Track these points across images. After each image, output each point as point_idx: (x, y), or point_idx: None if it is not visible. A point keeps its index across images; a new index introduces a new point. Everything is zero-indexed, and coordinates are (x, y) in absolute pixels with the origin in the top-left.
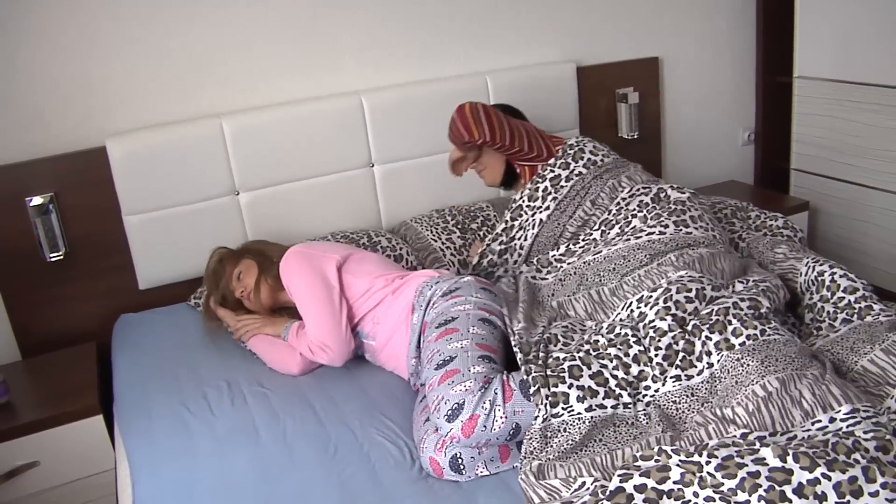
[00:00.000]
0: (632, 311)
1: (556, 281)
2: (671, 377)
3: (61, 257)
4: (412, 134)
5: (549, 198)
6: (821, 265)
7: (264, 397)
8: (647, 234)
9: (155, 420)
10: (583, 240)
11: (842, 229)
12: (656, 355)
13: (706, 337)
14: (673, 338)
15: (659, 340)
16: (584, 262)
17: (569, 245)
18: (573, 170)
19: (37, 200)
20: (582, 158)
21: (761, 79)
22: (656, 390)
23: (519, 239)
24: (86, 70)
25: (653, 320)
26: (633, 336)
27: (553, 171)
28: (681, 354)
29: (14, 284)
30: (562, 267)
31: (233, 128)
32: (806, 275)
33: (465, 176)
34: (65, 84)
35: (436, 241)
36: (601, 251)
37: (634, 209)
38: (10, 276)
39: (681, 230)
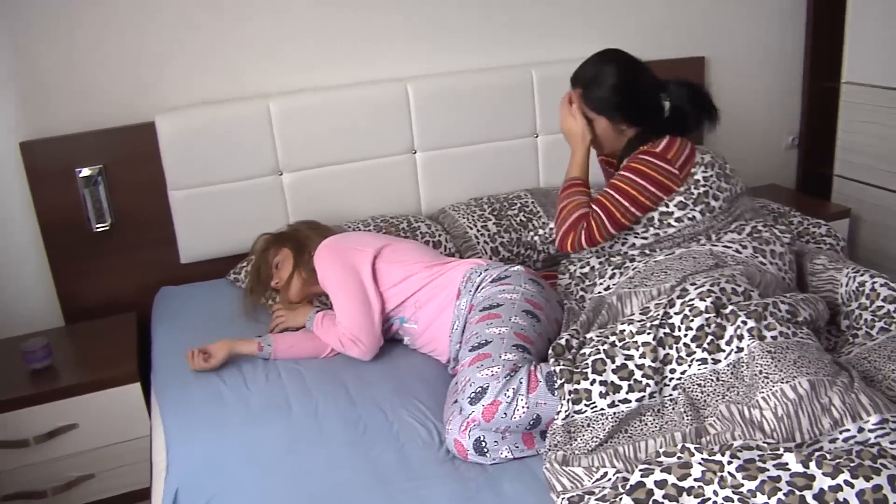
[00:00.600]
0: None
1: (626, 280)
2: (698, 360)
3: (107, 228)
4: (455, 122)
5: (651, 231)
6: (861, 275)
7: (298, 374)
8: (723, 246)
9: (191, 390)
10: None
11: (884, 238)
12: (686, 334)
13: (741, 321)
14: (706, 319)
15: (692, 320)
16: (656, 262)
17: (645, 250)
18: (687, 212)
19: (86, 172)
20: (703, 203)
21: (808, 83)
22: (682, 372)
23: (604, 244)
24: (139, 47)
25: (692, 298)
26: (663, 316)
27: (667, 207)
28: (709, 338)
29: (61, 252)
30: (634, 264)
31: (279, 109)
32: (847, 285)
33: (505, 166)
34: (118, 59)
35: (471, 228)
36: (675, 251)
37: (725, 242)
38: (57, 245)
39: (757, 258)
